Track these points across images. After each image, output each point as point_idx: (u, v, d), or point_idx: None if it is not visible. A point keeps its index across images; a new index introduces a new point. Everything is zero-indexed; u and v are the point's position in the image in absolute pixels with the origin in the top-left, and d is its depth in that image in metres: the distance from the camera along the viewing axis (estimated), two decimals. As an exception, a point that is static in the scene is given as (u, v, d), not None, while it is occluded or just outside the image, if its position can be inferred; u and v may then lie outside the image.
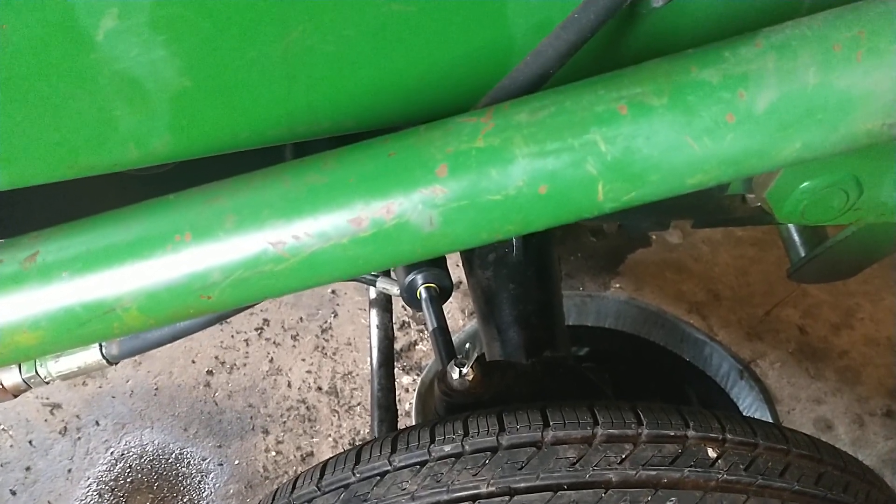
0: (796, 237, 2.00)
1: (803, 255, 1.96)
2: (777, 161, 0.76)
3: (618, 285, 2.92)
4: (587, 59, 0.94)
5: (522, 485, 0.96)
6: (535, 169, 0.75)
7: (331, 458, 1.11)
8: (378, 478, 1.02)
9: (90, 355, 1.01)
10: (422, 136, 0.80)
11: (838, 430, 2.57)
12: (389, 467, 1.02)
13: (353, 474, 1.04)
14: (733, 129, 0.74)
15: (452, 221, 0.77)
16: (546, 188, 0.75)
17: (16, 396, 0.97)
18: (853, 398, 2.64)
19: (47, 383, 0.99)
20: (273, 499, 1.17)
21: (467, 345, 2.45)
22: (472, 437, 1.01)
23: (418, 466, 1.01)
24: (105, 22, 0.82)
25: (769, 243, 2.99)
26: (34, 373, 0.99)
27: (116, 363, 1.03)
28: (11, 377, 0.98)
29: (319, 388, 2.72)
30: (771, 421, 2.40)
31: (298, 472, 1.18)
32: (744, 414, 2.45)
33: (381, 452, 1.05)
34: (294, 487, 1.12)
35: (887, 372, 2.69)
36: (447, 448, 1.00)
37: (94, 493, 2.49)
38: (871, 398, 2.64)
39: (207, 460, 2.56)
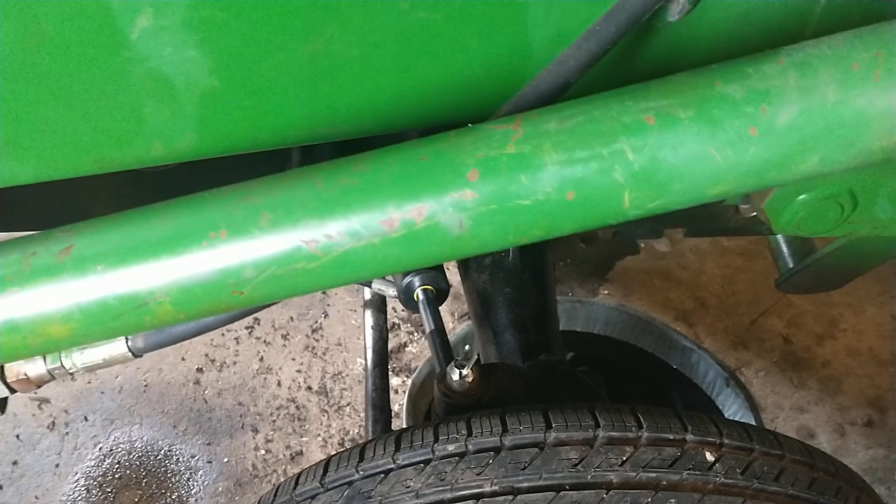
0: (785, 248, 2.04)
1: (791, 265, 2.00)
2: (795, 174, 0.79)
3: (606, 292, 2.95)
4: (601, 70, 0.96)
5: (525, 484, 0.97)
6: (563, 175, 0.78)
7: (334, 455, 1.12)
8: (382, 475, 1.03)
9: (115, 348, 1.01)
10: (452, 142, 0.82)
11: (820, 439, 2.61)
12: (393, 465, 1.03)
13: (357, 471, 1.05)
14: (755, 142, 0.77)
15: (481, 224, 0.79)
16: (574, 194, 0.78)
17: (39, 387, 0.98)
18: (835, 407, 2.69)
19: (71, 374, 1.00)
20: (275, 495, 1.17)
21: (467, 346, 2.46)
22: (475, 437, 1.02)
23: (422, 465, 1.02)
24: (140, 21, 0.84)
25: (755, 253, 3.04)
26: (59, 364, 0.99)
27: (140, 356, 1.04)
28: (36, 368, 0.98)
29: (309, 388, 2.73)
30: (758, 428, 2.43)
31: (301, 470, 1.19)
32: (729, 421, 2.47)
33: (384, 450, 1.05)
34: (297, 484, 1.12)
35: (868, 382, 2.73)
36: (451, 447, 1.01)
37: (82, 489, 2.48)
38: (853, 408, 2.68)
39: (196, 457, 2.56)
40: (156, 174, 1.13)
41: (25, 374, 0.97)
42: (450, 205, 0.79)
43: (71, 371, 0.99)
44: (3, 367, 0.97)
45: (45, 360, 0.98)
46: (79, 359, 1.00)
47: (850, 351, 2.81)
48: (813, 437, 2.62)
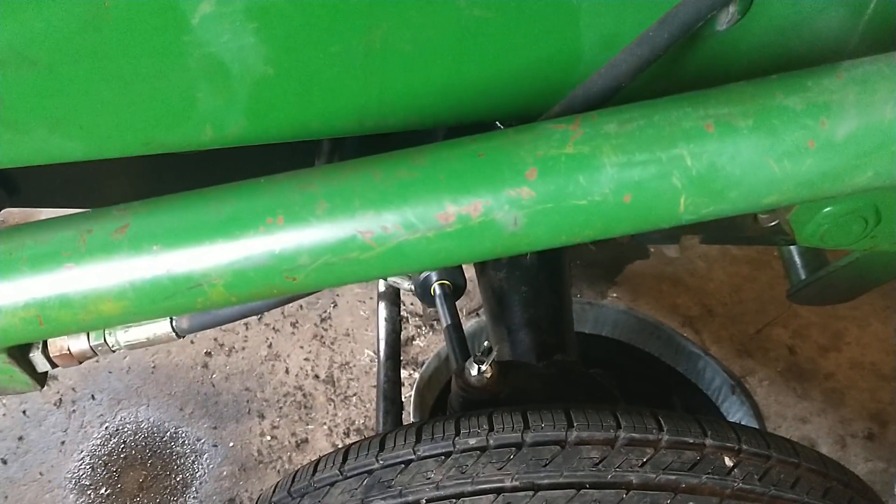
0: (798, 260, 2.04)
1: (804, 277, 2.00)
2: (848, 187, 0.80)
3: (615, 295, 2.96)
4: (646, 77, 0.96)
5: (546, 481, 0.98)
6: (621, 178, 0.78)
7: (353, 444, 1.13)
8: (402, 465, 1.03)
9: (160, 327, 1.02)
10: (511, 139, 0.82)
11: (821, 450, 2.62)
12: (414, 456, 1.04)
13: (377, 461, 1.05)
14: (813, 154, 0.78)
15: (536, 223, 0.80)
16: (631, 197, 0.79)
17: (80, 363, 0.99)
18: (837, 419, 2.70)
19: (114, 352, 1.00)
20: (293, 480, 1.17)
21: (486, 342, 2.47)
22: (496, 432, 1.02)
23: (443, 457, 1.02)
24: (203, 6, 0.84)
25: (763, 263, 3.05)
26: (102, 341, 0.99)
27: (183, 337, 1.04)
28: (79, 343, 0.98)
29: (316, 377, 2.74)
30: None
31: (319, 457, 1.19)
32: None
33: (405, 441, 1.06)
34: (315, 470, 1.13)
35: (870, 396, 2.75)
36: (472, 441, 1.02)
37: (87, 467, 2.49)
38: (854, 420, 2.70)
39: (202, 441, 2.57)
40: (176, 159, 1.14)
41: (68, 349, 0.97)
42: (506, 202, 0.79)
43: (114, 349, 1.00)
44: (46, 341, 0.98)
45: (88, 336, 0.99)
46: (122, 337, 1.00)
47: (853, 364, 2.83)
48: (814, 447, 2.63)
